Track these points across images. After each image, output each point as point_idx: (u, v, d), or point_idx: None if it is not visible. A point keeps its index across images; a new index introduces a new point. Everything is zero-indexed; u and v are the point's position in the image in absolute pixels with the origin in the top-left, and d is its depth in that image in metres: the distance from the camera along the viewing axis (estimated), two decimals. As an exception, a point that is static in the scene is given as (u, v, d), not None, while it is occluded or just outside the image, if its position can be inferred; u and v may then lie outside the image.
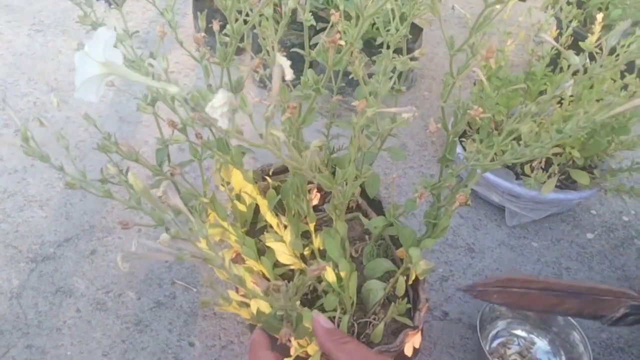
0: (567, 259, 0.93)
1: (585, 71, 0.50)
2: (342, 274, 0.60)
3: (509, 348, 0.77)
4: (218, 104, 0.32)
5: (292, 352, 0.56)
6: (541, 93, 0.96)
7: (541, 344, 0.77)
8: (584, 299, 0.52)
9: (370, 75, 0.63)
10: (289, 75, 0.47)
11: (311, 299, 0.69)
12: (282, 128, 0.61)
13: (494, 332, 0.79)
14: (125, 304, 0.79)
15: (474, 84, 0.99)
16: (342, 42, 0.49)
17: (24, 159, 1.01)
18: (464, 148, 0.94)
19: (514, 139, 0.51)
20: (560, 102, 0.90)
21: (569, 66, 0.64)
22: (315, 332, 0.48)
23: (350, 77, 0.60)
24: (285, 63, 0.41)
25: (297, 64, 0.69)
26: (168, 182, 0.33)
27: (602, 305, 0.52)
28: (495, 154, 0.53)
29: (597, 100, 0.87)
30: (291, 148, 0.41)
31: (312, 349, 0.55)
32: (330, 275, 0.60)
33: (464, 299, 0.84)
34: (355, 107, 0.51)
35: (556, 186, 0.89)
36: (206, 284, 0.46)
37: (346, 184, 0.54)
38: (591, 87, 0.91)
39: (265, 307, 0.54)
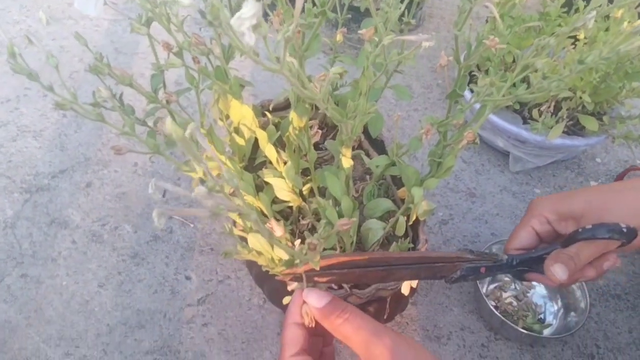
0: (569, 207, 0.92)
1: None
2: (345, 213, 0.59)
3: (505, 291, 0.77)
4: (247, 15, 0.29)
5: (289, 287, 0.56)
6: (554, 35, 0.92)
7: (538, 288, 0.77)
8: (415, 268, 0.49)
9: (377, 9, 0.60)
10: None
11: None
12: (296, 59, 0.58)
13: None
14: (121, 237, 0.78)
15: (486, 21, 0.95)
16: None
17: (17, 87, 0.98)
18: (471, 91, 0.91)
19: (529, 76, 0.49)
20: (574, 44, 0.86)
21: (585, 6, 0.60)
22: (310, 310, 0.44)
23: (355, 4, 0.57)
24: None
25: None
26: (194, 125, 0.30)
27: (436, 271, 0.51)
28: (502, 95, 0.50)
29: (613, 44, 0.83)
30: (304, 76, 0.38)
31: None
32: (331, 213, 0.59)
33: (463, 242, 0.84)
34: (362, 35, 0.49)
35: (563, 132, 0.87)
36: (227, 232, 0.45)
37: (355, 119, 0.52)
38: (606, 29, 0.87)
39: (283, 255, 0.53)
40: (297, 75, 0.39)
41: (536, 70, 0.46)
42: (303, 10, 0.61)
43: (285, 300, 0.57)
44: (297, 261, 0.44)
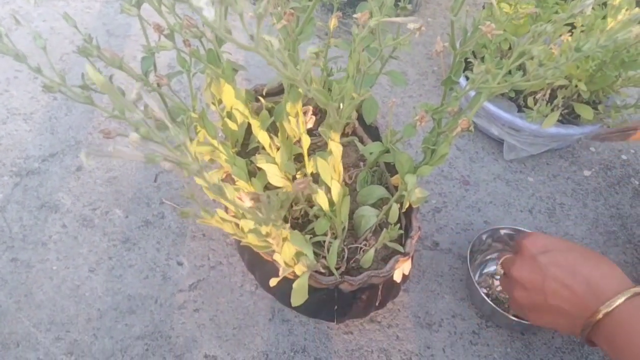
0: (562, 195, 0.92)
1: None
2: (334, 198, 0.59)
3: (496, 279, 0.77)
4: None
5: (280, 272, 0.56)
6: (551, 22, 0.91)
7: (529, 276, 0.77)
8: None
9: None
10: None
11: (302, 223, 0.68)
12: (277, 39, 0.57)
13: (483, 263, 0.79)
14: (112, 222, 0.77)
15: (483, 7, 0.94)
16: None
17: (7, 70, 0.97)
18: (467, 78, 0.91)
19: (525, 63, 0.48)
20: (571, 32, 0.86)
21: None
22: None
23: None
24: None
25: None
26: (142, 85, 0.30)
27: None
28: (498, 83, 0.50)
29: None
30: (285, 56, 0.38)
31: (299, 269, 0.55)
32: (321, 199, 0.59)
33: (456, 229, 0.83)
34: (357, 19, 0.48)
35: (558, 121, 0.87)
36: (187, 195, 0.44)
37: (343, 102, 0.51)
38: (603, 17, 0.86)
39: (248, 224, 0.52)
40: (281, 54, 0.38)
41: (532, 58, 0.45)
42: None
43: (272, 282, 0.57)
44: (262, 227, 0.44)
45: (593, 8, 0.86)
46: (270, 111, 0.70)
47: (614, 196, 0.93)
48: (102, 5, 1.16)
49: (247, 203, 0.37)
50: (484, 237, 0.77)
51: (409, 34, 0.47)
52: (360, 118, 0.75)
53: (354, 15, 0.48)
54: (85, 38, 0.46)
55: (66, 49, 1.03)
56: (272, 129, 0.66)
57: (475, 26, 0.48)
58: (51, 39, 1.05)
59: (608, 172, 0.97)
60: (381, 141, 0.67)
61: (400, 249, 0.60)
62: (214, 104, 0.63)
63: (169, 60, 1.04)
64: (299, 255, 0.55)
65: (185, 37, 0.52)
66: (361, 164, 0.76)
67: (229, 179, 0.66)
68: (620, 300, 0.48)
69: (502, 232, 0.78)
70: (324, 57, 0.75)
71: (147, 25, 0.53)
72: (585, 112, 0.84)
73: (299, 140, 0.61)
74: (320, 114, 0.79)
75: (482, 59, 0.91)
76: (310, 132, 0.72)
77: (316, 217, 0.63)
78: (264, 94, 0.76)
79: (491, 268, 0.79)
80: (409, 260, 0.62)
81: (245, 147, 0.72)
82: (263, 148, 0.64)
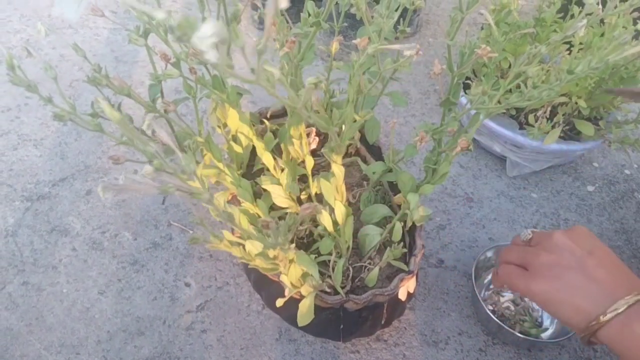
0: (566, 211, 0.92)
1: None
2: (338, 219, 0.60)
3: (502, 296, 0.77)
4: (205, 35, 0.30)
5: (286, 293, 0.56)
6: (550, 40, 0.93)
7: (535, 292, 0.77)
8: None
9: (373, 17, 0.61)
10: (284, 3, 0.44)
11: (307, 242, 0.69)
12: (280, 65, 0.59)
13: (488, 280, 0.79)
14: (121, 244, 0.78)
15: (482, 28, 0.96)
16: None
17: (17, 96, 0.99)
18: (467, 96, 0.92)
19: (520, 84, 0.49)
20: (569, 50, 0.87)
21: (580, 12, 0.61)
22: None
23: (352, 11, 0.57)
24: (282, -10, 0.38)
25: (298, 3, 0.66)
26: (153, 116, 0.31)
27: None
28: (498, 102, 0.51)
29: (608, 49, 0.84)
30: (286, 85, 0.39)
31: (305, 289, 0.55)
32: (326, 220, 0.60)
33: (460, 246, 0.84)
34: (357, 44, 0.49)
35: (560, 137, 0.88)
36: (197, 221, 0.45)
37: (344, 126, 0.52)
38: (602, 35, 0.88)
39: (256, 247, 0.53)
40: (282, 83, 0.39)
41: (529, 78, 0.46)
42: (299, 19, 0.62)
43: (279, 302, 0.57)
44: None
45: (591, 26, 0.87)
46: (274, 133, 0.72)
47: (618, 211, 0.93)
48: (109, 32, 1.19)
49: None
50: (489, 253, 0.77)
51: (407, 57, 0.48)
52: (363, 138, 0.76)
53: (354, 41, 0.50)
54: (95, 67, 0.48)
55: (75, 75, 1.06)
56: (277, 151, 0.67)
57: (470, 49, 0.49)
58: (61, 65, 1.08)
59: (611, 187, 0.98)
60: (384, 160, 0.68)
61: (404, 267, 0.61)
62: (219, 127, 0.64)
63: (176, 84, 1.06)
64: (305, 276, 0.56)
65: (190, 64, 0.54)
66: (365, 183, 0.77)
67: (234, 200, 0.67)
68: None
69: (507, 248, 0.78)
70: (327, 80, 0.77)
71: (154, 53, 0.55)
72: (586, 128, 0.85)
73: (303, 161, 0.63)
74: (323, 135, 0.81)
75: (483, 77, 0.93)
76: (314, 152, 0.73)
77: (321, 236, 0.64)
78: (268, 116, 0.77)
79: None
80: (414, 278, 0.62)
81: (251, 169, 0.73)
82: (268, 169, 0.65)
